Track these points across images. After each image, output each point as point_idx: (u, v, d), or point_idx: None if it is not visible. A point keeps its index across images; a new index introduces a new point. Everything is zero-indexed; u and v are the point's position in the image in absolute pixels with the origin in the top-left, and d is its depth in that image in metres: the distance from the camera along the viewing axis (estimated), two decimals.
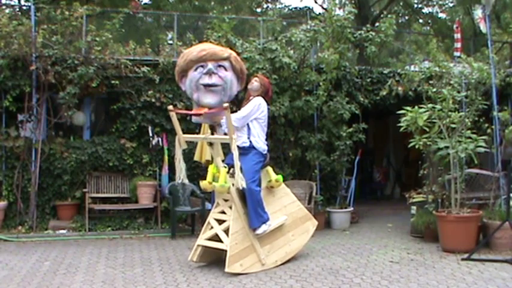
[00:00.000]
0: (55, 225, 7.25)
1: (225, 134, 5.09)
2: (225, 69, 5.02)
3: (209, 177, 5.01)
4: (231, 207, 5.00)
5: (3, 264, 5.33)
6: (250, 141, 5.13)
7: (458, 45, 9.00)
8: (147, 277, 4.77)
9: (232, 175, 4.98)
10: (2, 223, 7.11)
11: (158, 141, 7.62)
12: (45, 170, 7.37)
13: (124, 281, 4.63)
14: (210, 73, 4.93)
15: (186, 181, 5.26)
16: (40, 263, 5.38)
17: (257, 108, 5.16)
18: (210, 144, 5.09)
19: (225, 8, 17.13)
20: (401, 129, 6.29)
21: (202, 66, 4.94)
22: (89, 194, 7.37)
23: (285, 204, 5.49)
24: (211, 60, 4.95)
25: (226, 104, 4.80)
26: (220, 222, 5.03)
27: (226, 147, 5.50)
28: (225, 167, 4.96)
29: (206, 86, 4.94)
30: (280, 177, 5.42)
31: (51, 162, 7.37)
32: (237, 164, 4.80)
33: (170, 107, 5.17)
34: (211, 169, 5.07)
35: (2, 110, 7.33)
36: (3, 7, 9.72)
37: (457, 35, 9.19)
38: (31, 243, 6.58)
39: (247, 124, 5.13)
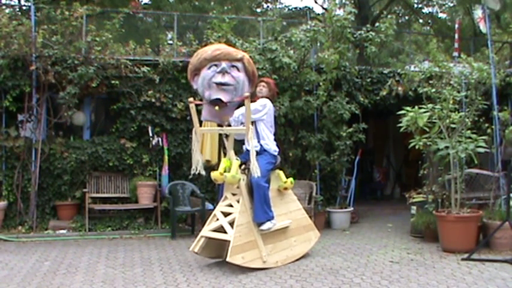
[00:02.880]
0: (55, 225, 7.25)
1: (226, 136, 5.22)
2: (238, 70, 5.09)
3: (221, 168, 5.06)
4: (238, 201, 5.05)
5: (3, 264, 5.33)
6: (261, 145, 5.25)
7: (456, 45, 9.02)
8: (147, 277, 4.77)
9: (244, 171, 5.09)
10: (2, 223, 7.11)
11: (158, 141, 7.62)
12: (45, 170, 7.37)
13: (124, 281, 4.63)
14: (223, 72, 4.99)
15: (203, 172, 5.28)
16: (40, 263, 5.38)
17: (262, 108, 5.26)
18: (226, 136, 5.22)
19: (225, 8, 17.13)
20: (402, 129, 6.29)
21: (216, 65, 5.02)
22: (89, 194, 7.37)
23: (291, 209, 5.54)
24: (225, 60, 5.02)
25: (247, 93, 4.92)
26: (227, 215, 5.06)
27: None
28: (238, 160, 5.06)
29: (219, 84, 5.00)
30: (292, 179, 5.53)
31: (51, 162, 7.37)
32: (253, 153, 4.90)
33: (190, 99, 5.24)
34: (224, 162, 5.14)
35: (2, 110, 7.34)
36: (3, 7, 9.71)
37: (456, 35, 9.21)
38: (31, 243, 6.58)
39: (256, 128, 5.21)
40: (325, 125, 7.96)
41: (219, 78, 4.98)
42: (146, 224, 7.53)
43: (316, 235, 5.76)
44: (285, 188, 5.48)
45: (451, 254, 5.54)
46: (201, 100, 5.28)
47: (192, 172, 5.28)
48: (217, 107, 5.06)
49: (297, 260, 5.34)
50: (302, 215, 5.65)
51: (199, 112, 5.34)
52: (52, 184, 7.43)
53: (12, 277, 4.78)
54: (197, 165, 5.24)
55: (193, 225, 7.26)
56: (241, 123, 5.23)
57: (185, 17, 15.00)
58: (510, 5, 13.00)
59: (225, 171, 5.03)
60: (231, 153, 5.17)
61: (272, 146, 5.33)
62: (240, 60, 5.12)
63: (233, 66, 5.05)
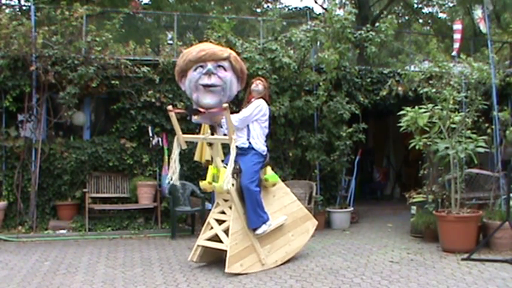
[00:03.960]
0: (55, 225, 7.25)
1: (225, 134, 5.11)
2: (225, 70, 4.99)
3: (209, 177, 5.00)
4: (231, 207, 5.00)
5: (3, 264, 5.33)
6: (250, 143, 5.13)
7: (457, 45, 9.02)
8: (147, 277, 4.77)
9: (233, 176, 4.98)
10: (2, 223, 7.11)
11: (158, 141, 7.62)
12: (45, 170, 7.36)
13: (124, 281, 4.63)
14: (209, 73, 4.89)
15: (177, 183, 5.16)
16: (40, 263, 5.38)
17: (258, 110, 5.17)
18: (210, 144, 5.10)
19: (225, 8, 17.12)
20: (402, 129, 6.29)
21: (201, 66, 4.91)
22: (89, 194, 7.37)
23: (285, 204, 5.48)
24: (210, 61, 4.91)
25: (225, 105, 4.80)
26: (220, 222, 5.03)
27: (226, 147, 5.48)
28: (225, 167, 4.93)
29: (205, 86, 4.90)
30: (273, 177, 5.32)
31: (51, 162, 7.37)
32: (231, 164, 4.77)
33: (169, 107, 5.15)
34: (211, 169, 5.06)
35: (2, 110, 7.33)
36: (3, 7, 9.71)
37: (457, 35, 9.19)
38: (31, 243, 6.58)
39: (247, 125, 5.14)
40: (325, 125, 7.96)
41: (206, 80, 4.88)
42: (146, 224, 7.53)
43: (313, 224, 5.68)
44: (264, 186, 5.28)
45: (451, 254, 5.53)
46: (184, 108, 5.19)
47: (167, 181, 5.21)
48: (196, 117, 5.02)
49: (297, 259, 5.34)
50: (297, 207, 5.57)
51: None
52: (52, 184, 7.43)
53: (12, 277, 4.78)
54: (173, 174, 5.09)
55: (193, 225, 7.26)
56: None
57: (185, 17, 14.99)
58: (510, 5, 13.01)
59: (213, 179, 4.97)
60: (217, 160, 5.04)
61: (261, 146, 5.20)
62: (226, 59, 4.99)
63: (219, 66, 4.93)
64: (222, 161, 5.10)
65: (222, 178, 4.84)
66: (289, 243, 5.33)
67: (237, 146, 4.89)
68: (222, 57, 4.98)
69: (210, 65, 4.89)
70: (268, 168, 5.38)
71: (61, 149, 7.39)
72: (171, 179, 5.11)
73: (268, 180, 5.28)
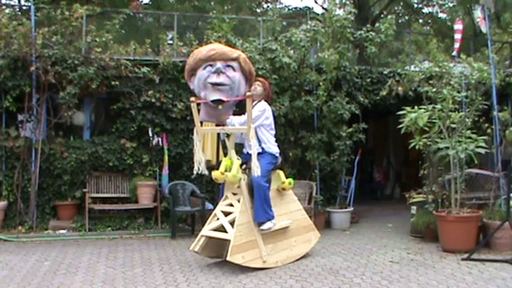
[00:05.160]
0: (55, 225, 7.25)
1: (227, 136, 5.25)
2: (234, 70, 5.07)
3: (222, 167, 5.05)
4: (239, 201, 5.05)
5: (3, 264, 5.33)
6: (263, 148, 5.24)
7: (457, 45, 9.02)
8: (147, 277, 4.77)
9: (244, 171, 5.11)
10: (2, 223, 7.11)
11: (158, 141, 7.63)
12: (45, 170, 7.37)
13: (124, 281, 4.63)
14: (218, 72, 4.98)
15: (206, 172, 5.24)
16: (40, 263, 5.38)
17: (261, 114, 5.22)
18: (228, 135, 5.22)
19: (225, 8, 17.12)
20: (402, 130, 6.28)
21: (211, 65, 5.01)
22: (89, 194, 7.37)
23: (291, 210, 5.55)
24: (220, 60, 5.01)
25: (249, 93, 4.92)
26: (227, 214, 5.07)
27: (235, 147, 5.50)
28: (239, 159, 5.06)
29: (214, 84, 4.99)
30: (291, 180, 5.51)
31: (51, 162, 7.37)
32: (254, 151, 4.90)
33: (192, 98, 5.22)
34: (224, 161, 5.13)
35: (2, 110, 7.34)
36: (3, 7, 9.70)
37: (457, 35, 9.19)
38: (31, 243, 6.58)
39: (256, 133, 5.18)
40: (325, 125, 7.96)
41: (214, 79, 4.97)
42: (146, 224, 7.53)
43: (316, 236, 5.76)
44: (283, 189, 5.47)
45: (451, 254, 5.54)
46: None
47: (195, 172, 5.26)
48: (220, 106, 5.06)
49: (297, 260, 5.35)
50: (302, 216, 5.66)
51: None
52: (52, 184, 7.43)
53: (12, 277, 4.78)
54: (199, 165, 5.21)
55: (193, 225, 7.26)
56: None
57: (185, 17, 14.98)
58: (510, 5, 13.00)
59: (225, 171, 5.03)
60: (232, 152, 5.18)
61: (273, 148, 5.33)
62: (236, 59, 5.09)
63: (228, 66, 5.03)
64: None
65: (235, 168, 4.96)
66: (291, 248, 5.37)
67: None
68: (231, 58, 5.07)
69: (219, 64, 4.99)
70: (282, 173, 5.51)
71: (61, 149, 7.39)
72: (199, 169, 5.19)
73: (291, 183, 5.47)
